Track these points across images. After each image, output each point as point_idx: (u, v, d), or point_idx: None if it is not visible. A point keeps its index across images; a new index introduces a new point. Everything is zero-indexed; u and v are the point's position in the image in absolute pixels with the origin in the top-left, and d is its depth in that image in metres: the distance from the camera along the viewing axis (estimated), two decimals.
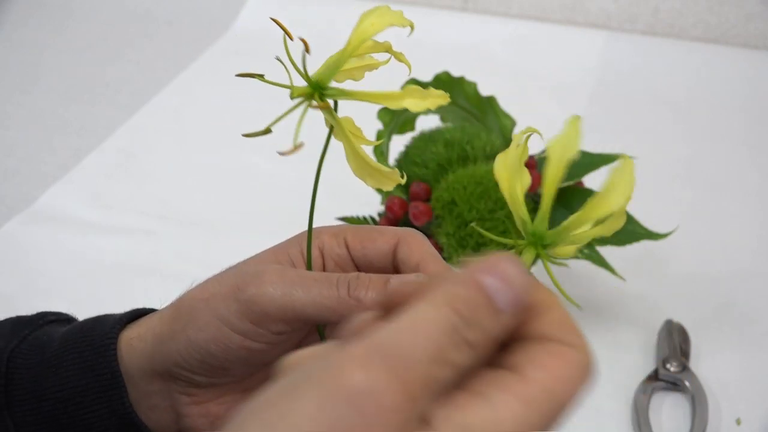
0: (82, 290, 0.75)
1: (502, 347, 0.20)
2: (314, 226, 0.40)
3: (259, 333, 0.37)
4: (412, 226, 0.65)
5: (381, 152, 0.71)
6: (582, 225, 0.32)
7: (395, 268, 0.39)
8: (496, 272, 0.20)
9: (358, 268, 0.39)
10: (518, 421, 0.18)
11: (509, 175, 0.34)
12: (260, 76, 0.35)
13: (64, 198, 0.87)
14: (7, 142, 0.98)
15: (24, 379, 0.41)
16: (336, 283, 0.36)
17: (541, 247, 0.33)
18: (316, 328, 0.41)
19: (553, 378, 0.19)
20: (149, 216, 0.83)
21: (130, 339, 0.41)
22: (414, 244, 0.38)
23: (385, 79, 0.84)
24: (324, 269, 0.40)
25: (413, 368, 0.18)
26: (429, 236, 0.65)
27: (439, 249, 0.66)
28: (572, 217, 0.33)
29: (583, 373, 0.19)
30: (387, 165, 0.71)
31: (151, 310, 0.43)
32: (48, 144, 0.97)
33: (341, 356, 0.19)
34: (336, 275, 0.36)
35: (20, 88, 1.09)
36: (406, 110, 0.73)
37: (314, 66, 0.35)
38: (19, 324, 0.43)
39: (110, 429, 0.40)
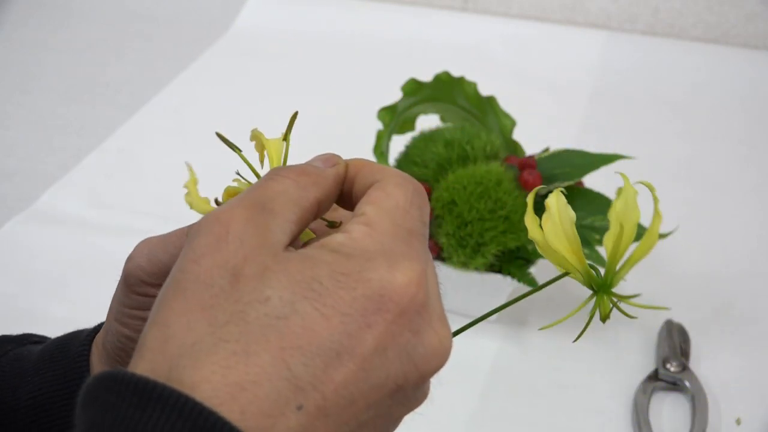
0: (82, 290, 0.75)
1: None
2: None
3: (145, 300, 0.39)
4: None
5: (381, 152, 0.71)
6: (618, 255, 0.35)
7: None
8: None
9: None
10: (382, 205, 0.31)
11: (567, 245, 0.35)
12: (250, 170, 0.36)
13: (64, 198, 0.87)
14: (7, 142, 0.98)
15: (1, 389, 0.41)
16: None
17: (610, 293, 0.36)
18: None
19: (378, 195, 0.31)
20: (149, 216, 0.83)
21: (96, 345, 0.42)
22: None
23: (386, 79, 0.84)
24: None
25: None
26: (429, 237, 0.65)
27: (439, 249, 0.66)
28: (610, 256, 0.35)
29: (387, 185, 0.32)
30: (387, 165, 0.71)
31: None
32: (48, 144, 0.97)
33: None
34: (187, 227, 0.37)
35: (20, 88, 1.09)
36: (403, 113, 0.73)
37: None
38: (4, 341, 0.45)
39: None
